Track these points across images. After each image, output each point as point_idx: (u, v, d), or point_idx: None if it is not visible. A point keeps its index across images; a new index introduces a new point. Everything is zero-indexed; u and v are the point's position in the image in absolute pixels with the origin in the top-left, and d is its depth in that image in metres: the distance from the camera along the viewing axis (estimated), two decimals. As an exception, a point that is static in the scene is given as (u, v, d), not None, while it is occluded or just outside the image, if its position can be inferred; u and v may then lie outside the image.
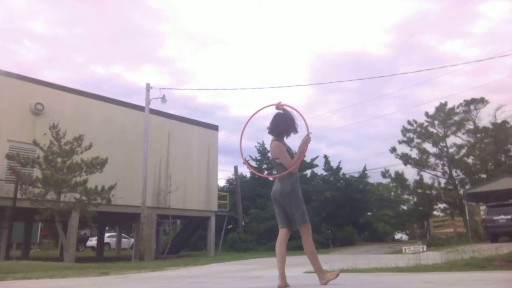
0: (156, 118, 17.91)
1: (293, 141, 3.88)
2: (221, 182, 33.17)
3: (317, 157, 31.76)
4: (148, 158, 15.89)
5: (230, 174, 35.91)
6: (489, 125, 27.21)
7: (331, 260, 8.87)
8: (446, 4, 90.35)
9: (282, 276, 3.57)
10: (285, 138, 3.88)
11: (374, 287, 3.58)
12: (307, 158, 31.12)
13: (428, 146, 26.32)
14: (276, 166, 3.82)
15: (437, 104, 28.54)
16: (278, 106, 3.84)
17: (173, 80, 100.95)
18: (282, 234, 3.73)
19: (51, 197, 12.67)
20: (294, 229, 3.77)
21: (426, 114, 26.90)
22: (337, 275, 3.68)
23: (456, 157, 25.62)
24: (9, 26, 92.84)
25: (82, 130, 13.95)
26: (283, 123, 3.79)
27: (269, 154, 31.94)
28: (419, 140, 26.58)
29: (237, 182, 27.25)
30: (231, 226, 28.34)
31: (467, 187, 23.65)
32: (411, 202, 30.33)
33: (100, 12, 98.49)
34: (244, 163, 3.67)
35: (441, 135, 26.15)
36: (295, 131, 3.81)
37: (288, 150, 3.76)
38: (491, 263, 5.43)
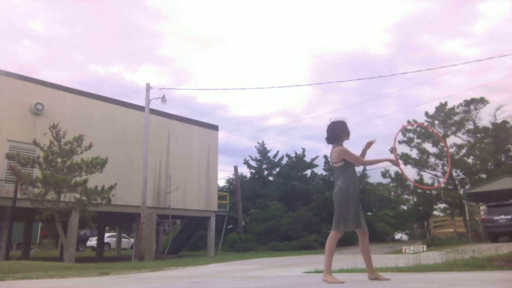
0: (156, 118, 17.91)
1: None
2: (221, 182, 33.19)
3: (317, 157, 31.81)
4: (148, 158, 15.88)
5: (230, 174, 35.92)
6: (489, 125, 27.22)
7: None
8: (446, 4, 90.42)
9: (371, 269, 4.04)
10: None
11: (374, 287, 3.58)
12: (307, 158, 31.16)
13: (428, 146, 26.36)
14: (334, 170, 4.15)
15: (437, 104, 28.58)
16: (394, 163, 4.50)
17: (172, 80, 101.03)
18: (359, 234, 4.01)
19: (51, 197, 12.67)
20: (352, 230, 3.98)
21: (426, 114, 26.93)
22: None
23: (456, 157, 25.63)
24: (8, 25, 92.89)
25: (82, 130, 13.96)
26: (334, 130, 4.18)
27: (269, 154, 32.02)
28: (419, 140, 26.60)
29: (237, 182, 27.24)
30: (231, 226, 28.33)
31: (467, 187, 23.66)
32: (411, 202, 30.34)
33: (99, 11, 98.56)
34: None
35: (441, 135, 26.16)
36: (347, 135, 4.20)
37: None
38: (491, 263, 5.42)
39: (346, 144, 4.26)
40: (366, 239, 4.08)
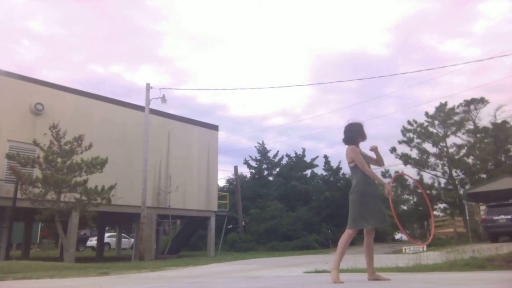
0: (156, 118, 17.91)
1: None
2: (221, 182, 33.19)
3: (317, 157, 31.79)
4: (148, 158, 15.89)
5: (230, 174, 35.92)
6: (489, 125, 27.22)
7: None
8: (446, 4, 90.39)
9: (371, 269, 4.06)
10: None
11: (374, 287, 3.58)
12: (307, 158, 31.15)
13: (428, 146, 26.38)
14: (351, 170, 4.25)
15: (437, 104, 28.61)
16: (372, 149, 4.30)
17: (172, 80, 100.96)
18: (366, 232, 4.11)
19: (51, 197, 12.67)
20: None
21: (426, 114, 26.94)
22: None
23: (456, 157, 25.64)
24: (8, 25, 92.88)
25: (82, 130, 13.95)
26: (350, 132, 4.27)
27: (269, 154, 32.01)
28: (419, 140, 26.62)
29: (237, 182, 27.24)
30: (231, 226, 28.33)
31: (467, 187, 23.67)
32: (411, 202, 30.35)
33: (99, 11, 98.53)
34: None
35: (441, 135, 26.18)
36: (363, 137, 4.27)
37: (364, 155, 4.23)
38: (491, 263, 5.43)
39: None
40: (372, 239, 4.11)
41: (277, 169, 31.69)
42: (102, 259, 18.39)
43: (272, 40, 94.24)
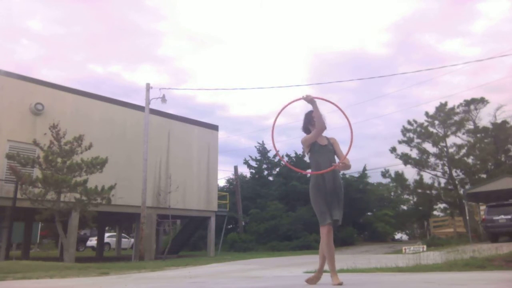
0: (156, 118, 17.91)
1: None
2: (221, 182, 33.16)
3: (317, 157, 31.76)
4: (148, 158, 15.88)
5: (230, 174, 35.92)
6: (489, 125, 27.25)
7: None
8: (445, 3, 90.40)
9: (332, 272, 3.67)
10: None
11: (374, 287, 3.58)
12: (307, 158, 31.17)
13: (428, 146, 26.40)
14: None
15: (437, 104, 28.63)
16: (306, 99, 4.01)
17: (172, 80, 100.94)
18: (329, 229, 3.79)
19: (51, 197, 12.67)
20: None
21: (426, 114, 26.96)
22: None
23: (456, 157, 25.65)
24: (6, 25, 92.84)
25: (82, 130, 13.95)
26: (304, 122, 4.21)
27: (269, 154, 32.03)
28: (419, 140, 26.64)
29: (237, 182, 27.23)
30: (231, 226, 28.32)
31: (467, 187, 23.67)
32: (411, 202, 30.36)
33: (98, 10, 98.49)
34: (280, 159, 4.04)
35: (441, 135, 26.18)
36: (311, 125, 4.14)
37: (313, 144, 4.07)
38: (491, 263, 5.43)
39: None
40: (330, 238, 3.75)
41: (277, 169, 31.67)
42: (102, 259, 18.38)
43: (272, 40, 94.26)
